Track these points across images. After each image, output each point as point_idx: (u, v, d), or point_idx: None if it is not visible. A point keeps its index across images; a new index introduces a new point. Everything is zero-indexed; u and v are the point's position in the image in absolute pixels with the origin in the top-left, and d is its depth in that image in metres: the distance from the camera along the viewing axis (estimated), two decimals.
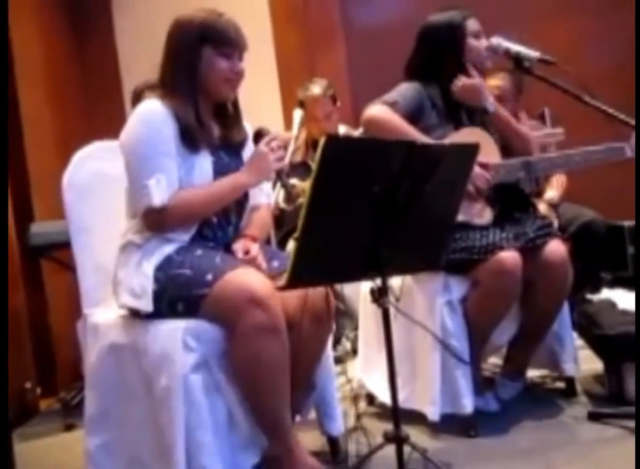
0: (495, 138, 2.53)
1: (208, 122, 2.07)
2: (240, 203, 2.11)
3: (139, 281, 1.91)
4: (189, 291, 1.87)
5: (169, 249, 1.95)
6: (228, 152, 2.10)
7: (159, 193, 1.90)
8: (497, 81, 3.34)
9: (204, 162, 2.01)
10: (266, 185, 2.25)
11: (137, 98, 2.49)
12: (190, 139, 1.98)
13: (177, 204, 1.93)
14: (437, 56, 2.49)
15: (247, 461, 1.95)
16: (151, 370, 1.88)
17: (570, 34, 4.04)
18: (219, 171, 2.03)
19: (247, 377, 1.87)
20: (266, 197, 2.25)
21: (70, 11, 4.08)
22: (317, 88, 3.47)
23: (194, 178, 1.98)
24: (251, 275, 1.88)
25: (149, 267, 1.91)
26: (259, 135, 2.09)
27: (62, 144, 3.52)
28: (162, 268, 1.91)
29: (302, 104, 3.42)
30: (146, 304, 1.90)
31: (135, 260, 1.95)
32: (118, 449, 2.00)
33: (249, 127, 2.20)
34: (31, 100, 3.47)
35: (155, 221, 1.95)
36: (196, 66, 2.01)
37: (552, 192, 3.40)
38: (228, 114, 2.13)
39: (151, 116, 1.97)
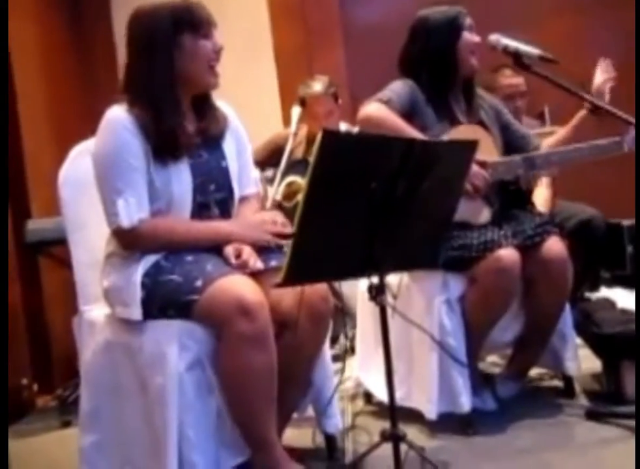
0: (494, 135, 2.52)
1: (188, 119, 1.99)
2: (223, 202, 2.03)
3: (127, 290, 1.88)
4: (178, 297, 1.84)
5: (156, 256, 1.91)
6: (207, 147, 2.02)
7: (127, 215, 1.86)
8: (519, 79, 3.31)
9: (182, 170, 1.94)
10: (254, 172, 2.19)
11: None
12: (170, 147, 1.90)
13: (152, 234, 1.90)
14: (430, 48, 2.45)
15: (231, 460, 1.93)
16: (146, 369, 1.87)
17: (568, 32, 4.03)
18: (199, 174, 1.97)
19: (232, 386, 1.84)
20: (255, 185, 2.18)
21: (68, 6, 4.06)
22: (318, 86, 3.41)
23: (173, 187, 1.92)
24: (240, 282, 1.84)
25: (136, 275, 1.87)
26: (278, 206, 2.00)
27: (59, 141, 3.50)
28: (150, 275, 1.88)
29: (302, 101, 3.36)
30: (135, 313, 1.86)
31: (121, 271, 1.92)
32: (111, 447, 1.99)
33: (226, 106, 2.10)
34: (28, 96, 3.45)
35: (124, 241, 1.93)
36: (174, 58, 1.90)
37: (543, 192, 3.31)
38: (206, 105, 2.03)
39: (117, 128, 1.89)
